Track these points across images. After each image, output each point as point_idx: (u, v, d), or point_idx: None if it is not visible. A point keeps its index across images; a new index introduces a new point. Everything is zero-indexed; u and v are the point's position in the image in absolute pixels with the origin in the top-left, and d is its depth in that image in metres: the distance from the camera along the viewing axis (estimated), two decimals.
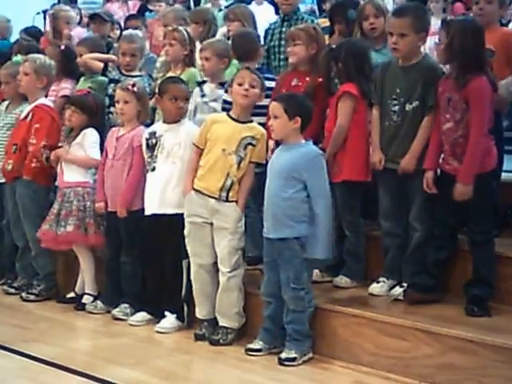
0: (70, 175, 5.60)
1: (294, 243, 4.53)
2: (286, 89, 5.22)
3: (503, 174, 5.19)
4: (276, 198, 4.57)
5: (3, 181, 6.03)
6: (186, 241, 4.96)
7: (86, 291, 5.64)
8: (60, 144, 5.78)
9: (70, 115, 5.61)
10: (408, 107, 4.70)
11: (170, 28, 6.11)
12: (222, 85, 5.55)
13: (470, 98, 4.40)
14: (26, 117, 5.90)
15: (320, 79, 5.14)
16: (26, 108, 5.95)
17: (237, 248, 4.85)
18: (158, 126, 5.27)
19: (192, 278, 4.99)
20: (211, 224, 4.87)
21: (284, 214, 4.54)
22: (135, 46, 6.17)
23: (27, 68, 5.91)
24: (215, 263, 4.91)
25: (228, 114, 4.95)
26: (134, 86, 5.41)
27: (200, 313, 4.98)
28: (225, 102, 5.38)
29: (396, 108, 4.74)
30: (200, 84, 5.65)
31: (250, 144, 4.84)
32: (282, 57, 5.96)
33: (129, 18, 8.54)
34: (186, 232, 4.95)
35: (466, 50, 4.40)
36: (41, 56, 6.15)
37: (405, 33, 4.65)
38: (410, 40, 4.66)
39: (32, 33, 7.96)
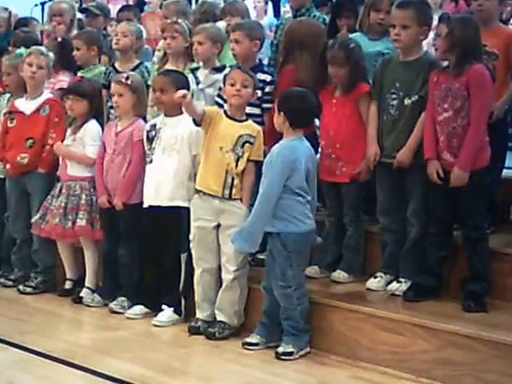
0: (74, 169, 5.58)
1: (276, 239, 4.57)
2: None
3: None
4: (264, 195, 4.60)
5: (2, 176, 6.00)
6: (191, 245, 4.96)
7: (86, 284, 5.63)
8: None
9: (70, 105, 5.59)
10: (407, 102, 4.71)
11: (169, 21, 6.07)
12: (215, 69, 5.53)
13: (470, 84, 4.43)
14: (37, 110, 5.86)
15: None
16: (33, 101, 5.88)
17: None
18: (160, 119, 5.26)
19: (195, 281, 4.98)
20: (218, 226, 4.88)
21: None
22: (129, 27, 6.17)
23: (43, 62, 5.86)
24: (219, 267, 4.91)
25: (224, 112, 4.93)
26: (127, 78, 5.39)
27: (201, 314, 4.97)
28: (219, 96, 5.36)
29: (395, 102, 4.74)
30: (193, 71, 5.63)
31: (247, 142, 4.83)
32: None
33: (121, 9, 8.45)
34: (191, 236, 4.95)
35: (465, 40, 4.45)
36: (45, 49, 6.13)
37: (407, 24, 4.66)
38: (411, 32, 4.67)
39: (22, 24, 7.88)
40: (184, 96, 4.78)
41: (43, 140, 5.81)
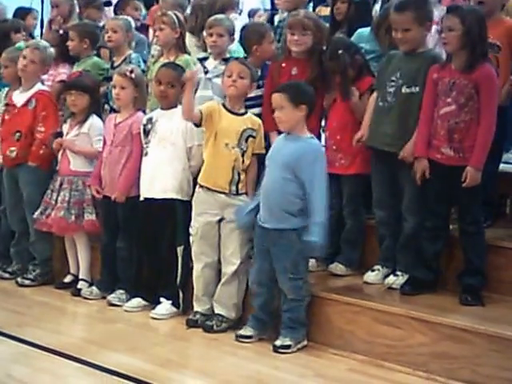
0: (77, 164, 5.59)
1: (291, 233, 4.54)
2: (288, 78, 5.16)
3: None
4: (278, 190, 4.55)
5: None
6: (192, 240, 4.96)
7: (81, 277, 5.65)
8: (59, 130, 5.76)
9: (73, 100, 5.58)
10: (404, 90, 4.69)
11: (158, 13, 6.11)
12: (224, 60, 5.53)
13: (481, 84, 4.41)
14: (26, 104, 5.86)
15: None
16: (24, 94, 5.88)
17: (248, 239, 4.84)
18: (156, 113, 5.27)
19: (196, 276, 4.97)
20: (220, 221, 4.88)
21: (283, 206, 4.54)
22: (117, 22, 6.18)
23: (36, 56, 5.84)
24: (219, 261, 4.92)
25: (223, 105, 4.92)
26: (132, 72, 5.39)
27: (199, 308, 4.97)
28: None
29: (392, 89, 4.71)
30: (201, 60, 5.62)
31: (250, 136, 4.84)
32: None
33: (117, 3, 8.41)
34: (193, 231, 4.95)
35: (482, 39, 4.44)
36: (46, 44, 6.11)
37: (408, 28, 4.64)
38: (414, 33, 4.64)
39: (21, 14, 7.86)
40: (190, 77, 4.82)
41: (30, 133, 5.79)
